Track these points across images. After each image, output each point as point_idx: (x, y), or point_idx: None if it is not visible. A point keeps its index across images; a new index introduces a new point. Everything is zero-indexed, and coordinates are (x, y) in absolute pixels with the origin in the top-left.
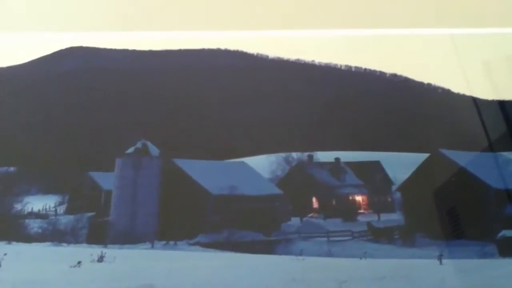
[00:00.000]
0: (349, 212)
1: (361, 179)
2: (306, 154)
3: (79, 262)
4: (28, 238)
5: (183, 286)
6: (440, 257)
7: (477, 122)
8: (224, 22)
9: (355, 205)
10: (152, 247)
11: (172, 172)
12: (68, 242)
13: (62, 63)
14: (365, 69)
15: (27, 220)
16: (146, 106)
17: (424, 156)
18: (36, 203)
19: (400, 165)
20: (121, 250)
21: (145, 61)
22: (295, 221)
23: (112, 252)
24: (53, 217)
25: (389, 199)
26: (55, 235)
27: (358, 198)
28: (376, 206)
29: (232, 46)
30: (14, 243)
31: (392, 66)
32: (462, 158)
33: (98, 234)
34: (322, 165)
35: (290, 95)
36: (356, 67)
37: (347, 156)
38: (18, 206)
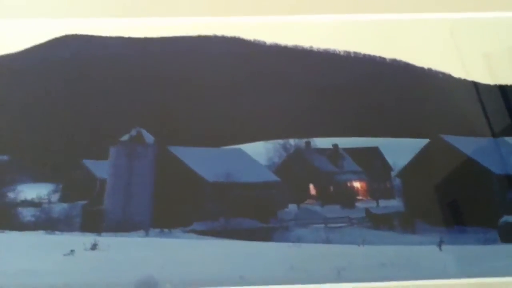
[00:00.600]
0: (348, 198)
1: (360, 166)
2: (304, 140)
3: (72, 250)
4: (21, 226)
5: (179, 273)
6: (440, 244)
7: (478, 107)
8: (220, 7)
9: (354, 192)
10: (147, 235)
11: (167, 160)
12: (61, 230)
13: (56, 51)
14: (364, 54)
15: (20, 209)
16: (141, 94)
17: (424, 141)
18: (29, 192)
19: (400, 151)
20: (115, 238)
21: (140, 48)
22: (292, 208)
23: (106, 240)
24: (46, 206)
25: (388, 186)
26: (48, 223)
27: (357, 184)
28: (375, 193)
29: (228, 33)
30: (7, 231)
31: (392, 52)
32: (463, 143)
33: (92, 222)
34: (320, 151)
35: (287, 81)
36: (355, 53)
37: (345, 142)
38: (10, 195)
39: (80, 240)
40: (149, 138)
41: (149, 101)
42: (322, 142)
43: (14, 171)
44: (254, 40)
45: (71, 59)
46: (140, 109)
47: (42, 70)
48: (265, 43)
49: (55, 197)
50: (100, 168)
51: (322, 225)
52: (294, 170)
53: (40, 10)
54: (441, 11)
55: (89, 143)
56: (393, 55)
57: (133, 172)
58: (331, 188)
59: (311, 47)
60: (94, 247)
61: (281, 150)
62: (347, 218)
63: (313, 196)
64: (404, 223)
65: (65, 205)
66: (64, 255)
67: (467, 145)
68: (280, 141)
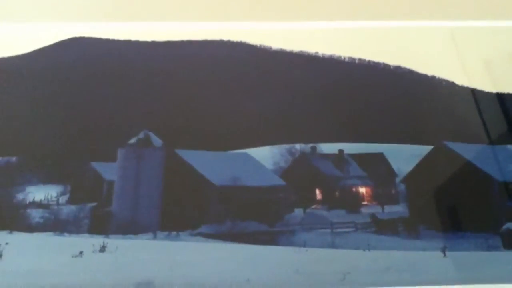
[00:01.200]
0: (353, 203)
1: (365, 171)
2: (310, 145)
3: (80, 252)
4: (29, 227)
5: (186, 276)
6: (444, 249)
7: (481, 114)
8: (227, 13)
9: (359, 197)
10: (155, 237)
11: (175, 163)
12: (70, 232)
13: (63, 54)
14: (369, 61)
15: (28, 210)
16: (149, 97)
17: (428, 148)
18: (38, 193)
19: (404, 157)
20: (123, 240)
21: (148, 52)
22: (298, 212)
23: (114, 242)
24: (55, 207)
25: (393, 191)
26: (56, 225)
27: (362, 189)
28: (380, 198)
29: (234, 38)
30: (15, 232)
31: (395, 58)
32: (466, 150)
33: (100, 224)
34: (325, 156)
35: (293, 87)
36: (360, 59)
37: (350, 148)
38: (19, 196)
39: (88, 242)
40: (157, 141)
41: (156, 104)
42: (328, 148)
43: (22, 172)
44: (260, 46)
45: (79, 61)
46: (147, 112)
47: (50, 72)
48: (270, 48)
49: (63, 199)
50: (108, 170)
51: (328, 230)
52: (300, 175)
53: (47, 14)
54: (443, 19)
55: (97, 145)
56: (396, 61)
57: (141, 175)
58: (337, 193)
59: (316, 53)
60: (103, 249)
61: (287, 155)
62: (353, 223)
63: (319, 200)
64: (408, 228)
65: (73, 207)
66: (73, 256)
67: (470, 152)
68: (286, 146)
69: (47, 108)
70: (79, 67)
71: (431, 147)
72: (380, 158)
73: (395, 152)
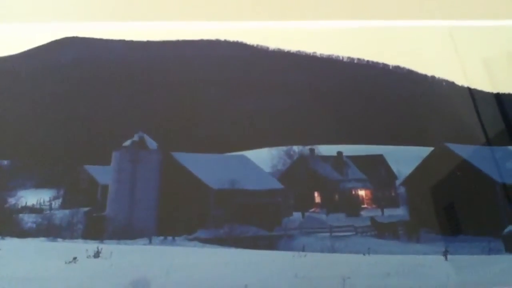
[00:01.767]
0: (353, 207)
1: (364, 173)
2: (308, 147)
3: (74, 258)
4: (22, 233)
5: (182, 283)
6: (445, 253)
7: (481, 116)
8: (223, 12)
9: (358, 200)
10: (150, 242)
11: (171, 166)
12: (64, 237)
13: (57, 54)
14: (367, 61)
15: (21, 215)
16: (144, 98)
17: (428, 149)
18: (31, 197)
19: (404, 159)
20: (118, 246)
21: (143, 52)
22: (297, 216)
23: (109, 247)
24: (48, 212)
25: (393, 194)
26: (50, 230)
27: (361, 192)
28: (379, 201)
29: (231, 37)
30: (8, 238)
31: (393, 57)
32: (467, 152)
33: (94, 229)
34: (324, 159)
35: (291, 87)
36: (358, 59)
37: (349, 149)
38: (12, 200)
39: (82, 248)
40: (152, 144)
41: (151, 105)
42: (327, 150)
43: (15, 176)
44: (257, 45)
45: (73, 62)
46: (142, 114)
47: (43, 73)
48: (268, 48)
49: (56, 203)
50: (102, 174)
51: (327, 234)
52: (298, 178)
53: (41, 14)
54: (442, 18)
55: (90, 148)
56: (395, 60)
57: (136, 178)
58: (336, 196)
59: (314, 53)
60: (97, 254)
61: (285, 157)
62: (352, 226)
63: (318, 204)
64: (409, 232)
65: (67, 211)
66: (66, 262)
67: (472, 154)
68: (284, 148)
69: (40, 110)
70: (73, 67)
71: (432, 148)
72: (379, 160)
73: (395, 154)
